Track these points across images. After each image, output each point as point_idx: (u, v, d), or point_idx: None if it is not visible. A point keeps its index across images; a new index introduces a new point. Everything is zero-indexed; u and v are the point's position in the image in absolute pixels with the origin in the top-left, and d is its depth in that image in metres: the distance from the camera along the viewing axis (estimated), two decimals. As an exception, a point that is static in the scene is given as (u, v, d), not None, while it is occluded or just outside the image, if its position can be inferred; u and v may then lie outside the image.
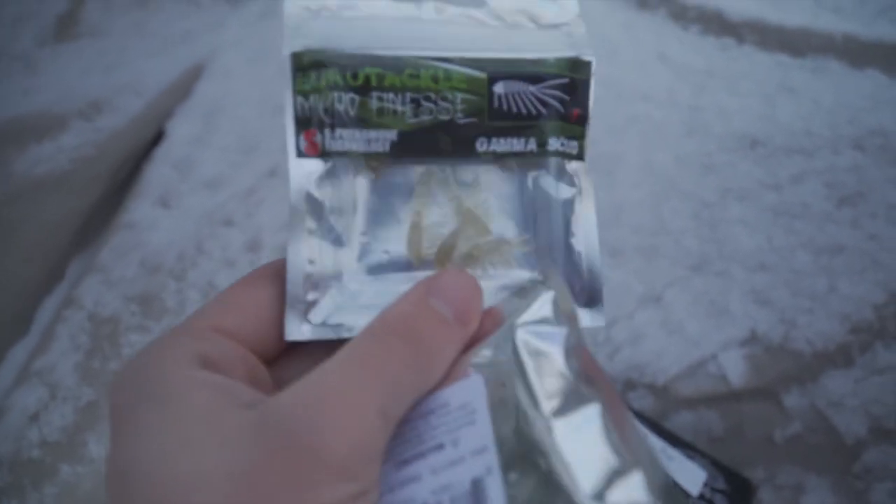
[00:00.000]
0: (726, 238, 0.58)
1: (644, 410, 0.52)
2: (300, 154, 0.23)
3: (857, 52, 0.62)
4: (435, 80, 0.23)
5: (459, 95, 0.23)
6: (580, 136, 0.25)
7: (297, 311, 0.22)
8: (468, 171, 0.25)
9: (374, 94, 0.23)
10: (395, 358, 0.20)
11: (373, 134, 0.23)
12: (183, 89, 0.72)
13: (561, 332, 0.21)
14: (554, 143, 0.25)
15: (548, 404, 0.20)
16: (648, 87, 0.68)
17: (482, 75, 0.23)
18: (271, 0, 0.82)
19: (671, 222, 0.61)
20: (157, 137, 0.69)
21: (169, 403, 0.19)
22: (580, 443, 0.20)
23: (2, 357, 0.54)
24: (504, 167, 0.25)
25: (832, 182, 0.57)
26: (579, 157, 0.25)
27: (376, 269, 0.24)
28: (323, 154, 0.23)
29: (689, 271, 0.58)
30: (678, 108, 0.66)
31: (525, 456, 0.19)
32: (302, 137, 0.23)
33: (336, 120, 0.23)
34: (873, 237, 0.55)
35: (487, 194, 0.25)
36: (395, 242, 0.24)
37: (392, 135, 0.23)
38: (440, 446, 0.20)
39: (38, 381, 0.50)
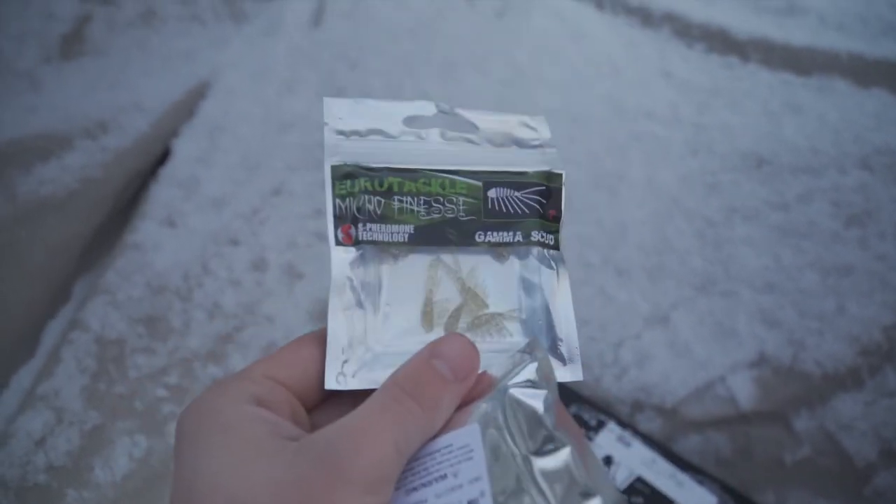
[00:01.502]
0: (732, 258, 0.58)
1: (652, 433, 0.52)
2: (338, 243, 0.29)
3: (863, 71, 0.63)
4: (443, 186, 0.30)
5: (462, 198, 0.30)
6: (556, 231, 0.31)
7: (335, 366, 0.28)
8: (469, 259, 0.31)
9: (396, 197, 0.30)
10: (405, 409, 0.25)
11: (394, 228, 0.29)
12: (187, 108, 0.72)
13: (542, 392, 0.27)
14: (535, 236, 0.31)
15: (531, 445, 0.26)
16: (652, 105, 0.68)
17: (479, 183, 0.30)
18: (275, 18, 0.83)
19: (676, 241, 0.60)
20: (163, 156, 0.69)
21: (228, 431, 0.24)
22: (553, 474, 0.25)
23: (7, 381, 0.54)
24: (497, 255, 0.31)
25: (839, 201, 0.57)
26: (555, 247, 0.31)
27: (397, 335, 0.29)
28: (356, 243, 0.29)
29: (695, 291, 0.58)
30: (682, 126, 0.66)
31: (511, 485, 0.25)
32: (340, 230, 0.29)
33: (366, 217, 0.29)
34: (881, 257, 0.54)
35: (485, 277, 0.31)
36: (412, 313, 0.30)
37: (409, 228, 0.30)
38: (443, 476, 0.26)
39: (44, 405, 0.50)
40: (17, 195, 0.58)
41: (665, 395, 0.53)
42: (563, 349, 0.30)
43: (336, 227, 0.29)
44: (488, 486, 0.25)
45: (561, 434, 0.26)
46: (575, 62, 0.73)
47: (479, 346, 0.28)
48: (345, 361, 0.28)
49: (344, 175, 0.29)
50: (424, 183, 0.30)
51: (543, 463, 0.25)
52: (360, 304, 0.29)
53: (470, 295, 0.31)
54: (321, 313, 0.56)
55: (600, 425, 0.50)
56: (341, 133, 0.31)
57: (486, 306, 0.31)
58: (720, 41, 0.66)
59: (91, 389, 0.52)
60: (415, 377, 0.26)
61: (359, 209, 0.29)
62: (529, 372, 0.28)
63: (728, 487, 0.48)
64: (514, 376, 0.27)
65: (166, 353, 0.55)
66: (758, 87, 0.65)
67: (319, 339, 0.29)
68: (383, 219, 0.29)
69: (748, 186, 0.60)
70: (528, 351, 0.28)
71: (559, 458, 0.26)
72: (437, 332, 0.30)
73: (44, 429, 0.49)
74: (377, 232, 0.29)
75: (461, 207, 0.30)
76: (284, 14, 0.82)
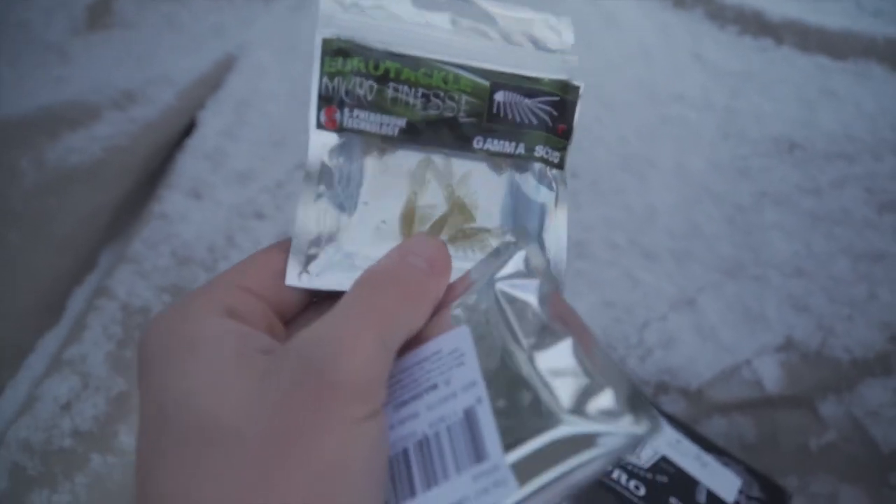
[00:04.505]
0: (762, 243, 0.58)
1: (676, 415, 0.52)
2: (319, 126, 0.26)
3: (900, 57, 0.62)
4: (445, 81, 0.27)
5: (464, 97, 0.27)
6: (563, 148, 0.29)
7: (299, 261, 0.26)
8: (462, 165, 0.28)
9: (391, 84, 0.26)
10: (387, 297, 0.23)
11: (385, 119, 0.27)
12: (214, 81, 0.72)
13: (533, 282, 0.25)
14: (539, 151, 0.28)
15: (527, 341, 0.23)
16: (683, 89, 0.67)
17: (486, 83, 0.27)
18: (303, -6, 0.82)
19: (705, 226, 0.60)
20: (189, 128, 0.69)
21: (198, 346, 0.22)
22: (557, 371, 0.23)
23: (33, 346, 0.54)
24: (494, 166, 0.28)
25: (873, 188, 0.56)
26: (560, 166, 0.29)
27: (371, 236, 0.27)
28: (339, 129, 0.26)
29: (723, 276, 0.57)
30: (713, 110, 0.65)
31: (511, 387, 0.23)
32: (323, 112, 0.26)
33: (355, 102, 0.26)
34: (915, 245, 0.54)
35: (477, 188, 0.28)
36: (390, 215, 0.27)
37: (402, 122, 0.27)
38: (434, 386, 0.23)
39: (70, 370, 0.50)
40: (45, 163, 0.58)
41: (690, 378, 0.53)
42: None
43: (319, 109, 0.26)
44: (484, 391, 0.23)
45: (559, 326, 0.24)
46: (606, 45, 0.72)
47: (458, 263, 0.26)
48: (311, 257, 0.26)
49: (336, 51, 0.26)
50: (425, 73, 0.27)
51: (543, 359, 0.23)
52: (334, 199, 0.26)
53: (457, 205, 0.28)
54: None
55: (625, 405, 0.50)
56: (339, 3, 0.27)
57: (473, 220, 0.28)
58: (754, 23, 0.65)
59: (116, 356, 0.52)
60: (391, 269, 0.24)
61: (347, 92, 0.26)
62: (517, 262, 0.25)
63: (752, 470, 0.48)
64: (500, 269, 0.25)
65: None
66: (792, 71, 0.64)
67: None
68: (374, 106, 0.26)
69: (780, 171, 0.59)
70: (514, 241, 0.26)
71: (560, 352, 0.23)
72: None
73: (69, 393, 0.49)
74: (365, 120, 0.26)
75: (462, 107, 0.27)
76: (311, -9, 0.82)
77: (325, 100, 0.26)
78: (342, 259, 0.26)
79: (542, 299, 0.24)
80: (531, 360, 0.23)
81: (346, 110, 0.26)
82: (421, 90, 0.27)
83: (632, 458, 0.46)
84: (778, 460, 0.51)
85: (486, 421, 0.22)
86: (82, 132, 0.61)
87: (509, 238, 0.27)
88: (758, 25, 0.66)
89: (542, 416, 0.22)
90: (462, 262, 0.27)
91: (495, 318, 0.24)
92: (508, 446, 0.22)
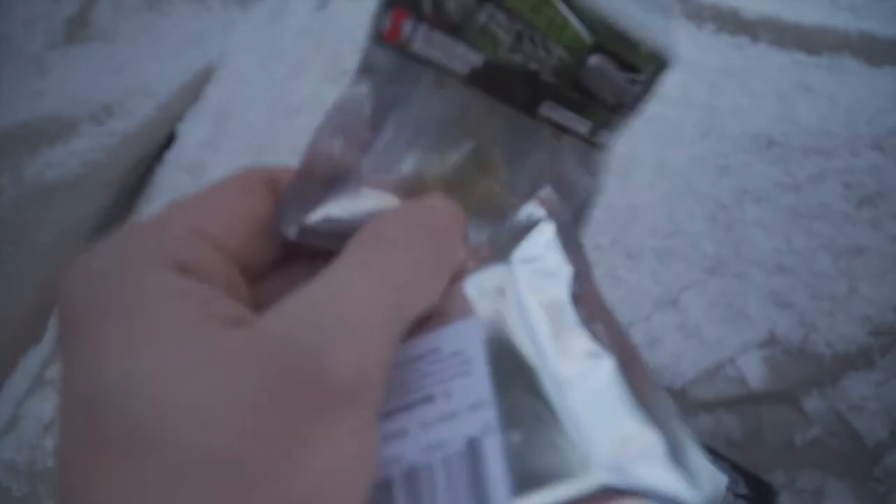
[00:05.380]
0: (743, 240, 0.58)
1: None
2: (378, 38, 0.18)
3: (874, 51, 0.62)
4: (550, 24, 0.20)
5: (560, 51, 0.21)
6: (619, 131, 0.24)
7: (301, 207, 0.20)
8: (519, 130, 0.21)
9: (489, 7, 0.19)
10: (402, 261, 0.17)
11: (461, 50, 0.19)
12: (194, 91, 0.72)
13: (565, 269, 0.19)
14: (602, 135, 0.23)
15: (554, 357, 0.18)
16: (662, 87, 0.67)
17: (588, 41, 0.21)
18: (281, 2, 0.82)
19: (687, 224, 0.60)
20: (169, 141, 0.69)
21: (140, 313, 0.16)
22: (594, 401, 0.17)
23: (15, 365, 0.54)
24: (553, 133, 0.22)
25: (851, 182, 0.56)
26: (608, 149, 0.24)
27: (382, 187, 0.21)
28: (403, 49, 0.19)
29: (705, 274, 0.57)
30: (693, 108, 0.65)
31: (530, 415, 0.17)
32: (388, 16, 0.18)
33: (439, 17, 0.18)
34: (894, 238, 0.54)
35: (515, 154, 0.22)
36: (413, 167, 0.21)
37: (478, 60, 0.20)
38: (430, 398, 0.18)
39: (53, 389, 0.50)
40: (24, 178, 0.58)
41: (675, 377, 0.53)
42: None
43: (385, 9, 0.18)
44: (495, 416, 0.17)
45: (597, 334, 0.18)
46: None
47: (475, 235, 0.21)
48: (314, 202, 0.20)
49: None
50: (533, 7, 0.19)
51: (576, 383, 0.18)
52: (359, 135, 0.20)
53: (493, 170, 0.22)
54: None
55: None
56: None
57: (500, 184, 0.22)
58: (731, 21, 0.66)
59: (100, 372, 0.52)
60: (402, 226, 0.19)
61: (437, 2, 0.18)
62: (545, 238, 0.20)
63: (738, 467, 0.48)
64: (522, 243, 0.20)
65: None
66: (769, 68, 0.64)
67: (267, 179, 0.21)
68: (457, 31, 0.19)
69: (759, 168, 0.60)
70: (542, 209, 0.21)
71: (597, 375, 0.18)
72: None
73: (52, 413, 0.49)
74: (440, 47, 0.19)
75: (552, 63, 0.21)
76: (290, -3, 0.82)
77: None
78: (350, 211, 0.20)
79: (576, 295, 0.19)
80: (559, 382, 0.18)
81: (425, 28, 0.18)
82: (518, 26, 0.19)
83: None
84: (764, 456, 0.51)
85: (495, 458, 0.17)
86: (60, 147, 0.61)
87: (536, 204, 0.21)
88: (734, 23, 0.66)
89: (568, 459, 0.17)
90: (478, 235, 0.21)
91: (513, 313, 0.19)
92: (520, 492, 0.17)
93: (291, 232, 0.20)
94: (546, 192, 0.22)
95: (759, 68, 0.65)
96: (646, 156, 0.64)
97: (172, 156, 0.66)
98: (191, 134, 0.68)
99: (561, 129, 0.22)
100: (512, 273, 0.19)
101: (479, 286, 0.19)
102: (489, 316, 0.19)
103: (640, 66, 0.22)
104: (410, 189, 0.21)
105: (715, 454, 0.48)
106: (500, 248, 0.20)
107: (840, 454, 0.50)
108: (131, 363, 0.15)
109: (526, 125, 0.22)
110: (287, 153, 0.69)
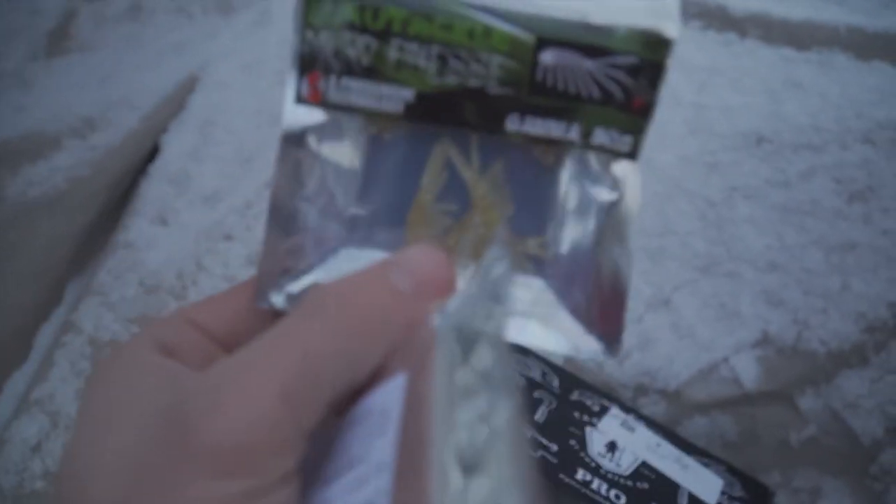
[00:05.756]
0: (734, 238, 0.57)
1: (656, 417, 0.52)
2: (299, 99, 0.20)
3: (863, 45, 0.61)
4: (471, 35, 0.19)
5: (497, 59, 0.19)
6: (637, 131, 0.21)
7: (271, 277, 0.20)
8: (492, 152, 0.21)
9: (396, 41, 0.19)
10: (314, 327, 0.17)
11: (385, 90, 0.19)
12: (177, 102, 0.71)
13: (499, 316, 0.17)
14: (601, 136, 0.21)
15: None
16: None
17: (529, 38, 0.19)
18: (264, 9, 0.81)
19: (677, 223, 0.60)
20: (153, 153, 0.68)
21: (115, 386, 0.19)
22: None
23: (1, 386, 0.53)
24: (536, 154, 0.21)
25: (842, 178, 0.56)
26: (631, 155, 0.21)
27: (365, 244, 0.21)
28: (324, 103, 0.20)
29: (697, 273, 0.57)
30: (681, 106, 0.65)
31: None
32: (304, 80, 0.19)
33: (345, 66, 0.19)
34: (886, 233, 0.54)
35: (509, 183, 0.21)
36: (394, 219, 0.21)
37: (409, 94, 0.19)
38: (352, 462, 0.17)
39: (39, 409, 0.50)
40: (5, 197, 0.57)
41: (669, 378, 0.53)
42: (604, 315, 0.21)
43: (300, 75, 0.19)
44: (389, 479, 0.16)
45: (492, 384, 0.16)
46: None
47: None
48: (285, 271, 0.20)
49: None
50: (443, 25, 0.19)
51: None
52: (318, 195, 0.20)
53: (482, 206, 0.21)
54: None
55: (603, 410, 0.50)
56: None
57: (503, 219, 0.21)
58: (718, 17, 0.65)
59: (87, 392, 0.51)
60: (348, 289, 0.18)
61: (336, 53, 0.19)
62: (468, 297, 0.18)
63: (734, 469, 0.47)
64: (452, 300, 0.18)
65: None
66: (757, 64, 0.64)
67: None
68: (371, 73, 0.19)
69: (749, 165, 0.59)
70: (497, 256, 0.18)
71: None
72: None
73: (39, 434, 0.49)
74: (359, 93, 0.19)
75: (494, 73, 0.19)
76: (272, 4, 0.81)
77: (308, 62, 0.19)
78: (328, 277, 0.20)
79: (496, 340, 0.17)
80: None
81: (333, 78, 0.19)
82: (436, 49, 0.19)
83: (611, 466, 0.46)
84: (760, 457, 0.51)
85: None
86: (42, 164, 0.60)
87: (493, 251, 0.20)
88: (722, 20, 0.65)
89: None
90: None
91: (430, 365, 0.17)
92: None
93: (279, 302, 0.20)
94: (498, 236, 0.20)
95: (747, 65, 0.64)
96: (635, 155, 0.64)
97: (157, 167, 0.66)
98: (175, 144, 0.68)
99: (546, 141, 0.20)
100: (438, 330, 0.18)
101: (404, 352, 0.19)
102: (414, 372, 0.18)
103: (619, 49, 0.20)
104: (408, 233, 0.21)
105: (711, 457, 0.48)
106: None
107: (836, 453, 0.50)
108: (88, 433, 0.18)
109: (498, 145, 0.21)
110: (273, 163, 0.68)
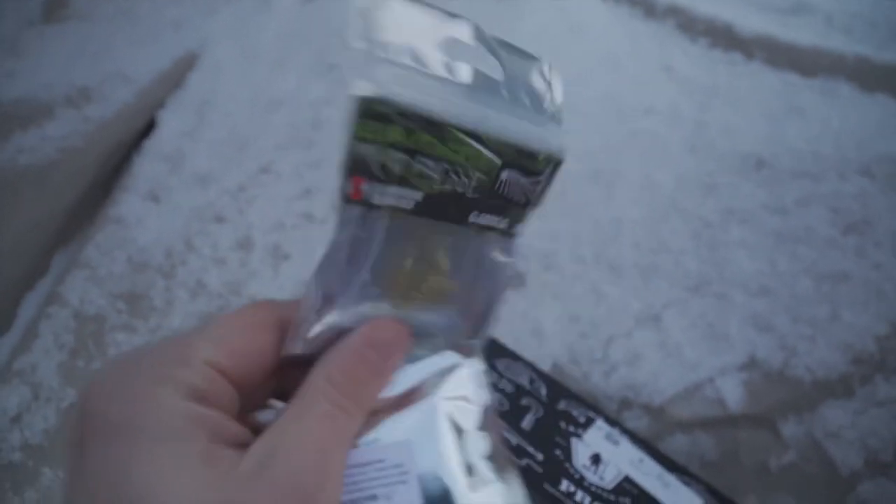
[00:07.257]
0: (727, 260, 0.58)
1: (639, 431, 0.52)
2: (347, 200, 0.24)
3: (868, 76, 0.62)
4: (467, 157, 0.25)
5: (477, 175, 0.26)
6: (524, 220, 0.29)
7: (303, 329, 0.25)
8: (461, 240, 0.27)
9: (419, 157, 0.24)
10: (348, 417, 0.23)
11: (406, 193, 0.24)
12: (175, 79, 0.70)
13: (474, 409, 0.25)
14: (518, 228, 0.28)
15: (463, 478, 0.24)
16: (652, 101, 0.67)
17: (497, 162, 0.26)
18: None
19: (671, 241, 0.60)
20: (148, 128, 0.67)
21: (165, 437, 0.20)
22: None
23: (-19, 356, 0.52)
24: (476, 231, 0.28)
25: (838, 208, 0.56)
26: (517, 234, 0.29)
27: (363, 300, 0.26)
28: (364, 202, 0.24)
29: (687, 292, 0.57)
30: (682, 124, 0.65)
31: None
32: (351, 182, 0.23)
33: (386, 177, 0.24)
34: (878, 266, 0.54)
35: (451, 247, 0.28)
36: (387, 282, 0.26)
37: (419, 196, 0.25)
38: (374, 497, 0.23)
39: (20, 381, 0.48)
40: (-6, 163, 0.56)
41: (653, 394, 0.53)
42: (468, 325, 0.29)
43: (348, 178, 0.23)
44: None
45: (499, 462, 0.24)
46: (574, 54, 0.71)
47: (432, 318, 0.27)
48: (314, 322, 0.25)
49: (376, 115, 0.22)
50: (453, 149, 0.24)
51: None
52: (346, 272, 0.25)
53: (430, 262, 0.27)
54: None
55: (589, 422, 0.50)
56: (371, 45, 0.23)
57: (446, 276, 0.28)
58: (725, 37, 0.65)
59: (69, 366, 0.50)
60: (351, 373, 0.24)
61: (383, 166, 0.23)
62: (462, 380, 0.26)
63: (713, 490, 0.48)
64: (443, 384, 0.26)
65: (147, 331, 0.53)
66: (761, 87, 0.64)
67: (277, 316, 0.25)
68: (401, 181, 0.24)
69: (746, 189, 0.59)
70: (462, 352, 0.27)
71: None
72: (397, 297, 0.27)
73: (20, 405, 0.48)
74: (391, 195, 0.24)
75: (473, 184, 0.25)
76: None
77: (356, 169, 0.23)
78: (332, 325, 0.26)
79: (483, 426, 0.25)
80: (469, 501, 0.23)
81: (378, 185, 0.24)
82: (444, 165, 0.25)
83: (595, 479, 0.46)
84: (738, 479, 0.51)
85: None
86: (34, 131, 0.59)
87: (457, 355, 0.27)
88: (728, 39, 0.65)
89: None
90: (435, 318, 0.27)
91: (433, 438, 0.24)
92: None
93: (298, 348, 0.25)
94: (468, 345, 0.27)
95: (751, 87, 0.64)
96: (632, 171, 0.64)
97: (151, 144, 0.64)
98: (171, 122, 0.66)
99: (486, 228, 0.28)
100: (435, 408, 0.25)
101: (411, 417, 0.25)
102: (420, 435, 0.24)
103: (539, 169, 0.27)
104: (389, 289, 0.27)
105: (691, 476, 0.48)
106: (429, 388, 0.26)
107: (814, 481, 0.50)
108: (150, 482, 0.19)
109: (459, 231, 0.27)
110: (268, 147, 0.67)
